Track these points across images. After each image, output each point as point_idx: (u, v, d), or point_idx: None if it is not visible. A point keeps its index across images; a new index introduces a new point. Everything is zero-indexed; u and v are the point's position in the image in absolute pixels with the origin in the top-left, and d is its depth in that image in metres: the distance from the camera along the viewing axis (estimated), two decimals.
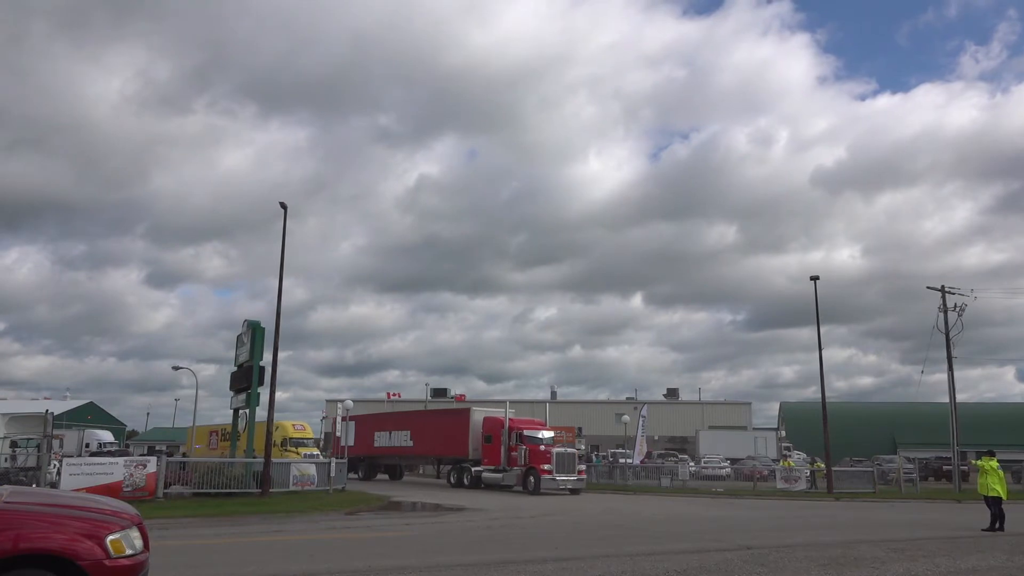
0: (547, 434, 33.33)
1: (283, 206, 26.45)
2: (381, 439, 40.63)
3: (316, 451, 44.14)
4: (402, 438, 39.21)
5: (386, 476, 41.91)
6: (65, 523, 5.98)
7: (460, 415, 36.48)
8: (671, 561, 11.50)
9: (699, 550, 12.96)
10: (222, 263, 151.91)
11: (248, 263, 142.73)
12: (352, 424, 43.02)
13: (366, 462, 41.47)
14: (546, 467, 30.81)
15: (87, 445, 49.10)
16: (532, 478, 31.11)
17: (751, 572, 10.65)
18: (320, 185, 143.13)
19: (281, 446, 44.60)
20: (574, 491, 31.24)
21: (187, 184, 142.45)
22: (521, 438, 32.50)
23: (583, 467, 33.40)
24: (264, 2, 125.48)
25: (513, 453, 32.33)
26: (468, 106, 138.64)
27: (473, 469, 33.95)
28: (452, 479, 35.42)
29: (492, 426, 33.99)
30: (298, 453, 42.21)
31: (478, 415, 35.39)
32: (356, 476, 40.39)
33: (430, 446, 37.55)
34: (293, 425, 47.23)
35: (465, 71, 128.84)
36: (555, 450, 31.69)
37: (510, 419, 33.61)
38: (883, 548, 13.56)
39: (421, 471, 40.29)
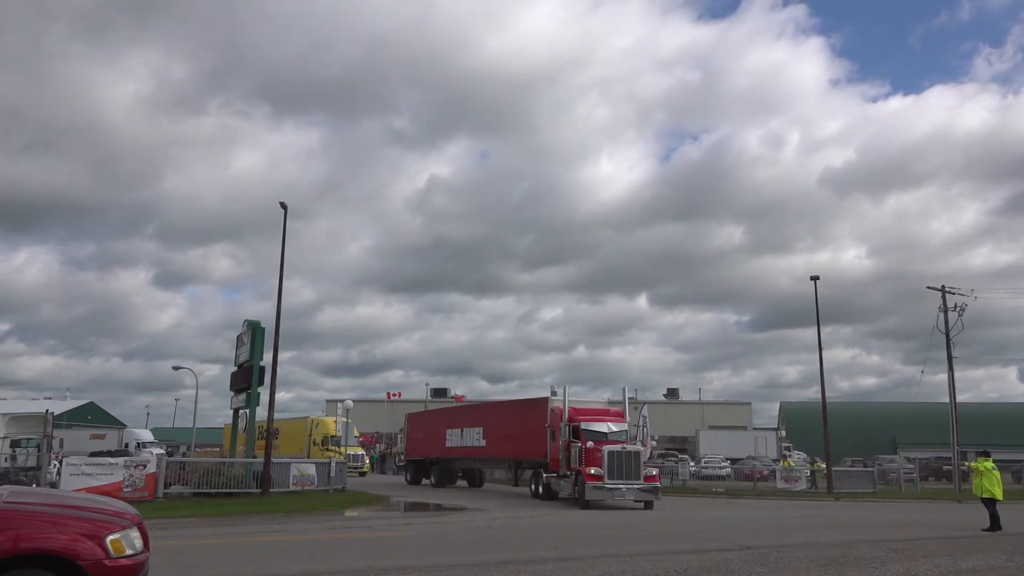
0: (613, 427, 25.92)
1: (283, 206, 26.45)
2: (453, 438, 33.87)
3: (360, 450, 41.32)
4: (474, 437, 32.21)
5: (464, 483, 35.94)
6: (65, 523, 5.99)
7: (536, 407, 28.36)
8: (671, 561, 11.51)
9: (699, 550, 12.97)
10: (230, 264, 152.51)
11: (256, 264, 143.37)
12: (351, 424, 42.32)
13: (439, 465, 35.44)
14: (593, 471, 23.80)
15: (126, 444, 48.95)
16: (579, 486, 24.48)
17: (751, 572, 10.66)
18: (331, 186, 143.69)
19: (322, 445, 42.40)
20: (647, 504, 24.15)
21: (198, 185, 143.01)
22: (577, 432, 25.42)
23: (654, 471, 25.47)
24: (282, 5, 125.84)
25: (569, 453, 25.51)
26: (482, 108, 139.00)
27: (545, 475, 26.77)
28: (533, 487, 27.86)
29: (555, 419, 26.61)
30: (340, 453, 39.55)
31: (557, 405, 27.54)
32: (429, 482, 35.62)
33: (505, 446, 30.25)
34: (335, 422, 44.36)
35: (480, 74, 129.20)
36: (606, 448, 24.13)
37: (571, 408, 26.31)
38: (883, 548, 13.56)
39: (514, 475, 32.31)
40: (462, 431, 33.35)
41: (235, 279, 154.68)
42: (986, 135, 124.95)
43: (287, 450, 42.53)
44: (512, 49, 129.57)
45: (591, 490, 23.90)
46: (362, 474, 43.67)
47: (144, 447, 47.83)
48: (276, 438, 46.36)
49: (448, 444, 34.28)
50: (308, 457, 37.18)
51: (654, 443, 51.20)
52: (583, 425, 25.59)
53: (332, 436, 41.71)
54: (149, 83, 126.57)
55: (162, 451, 47.35)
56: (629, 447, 25.15)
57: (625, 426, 26.60)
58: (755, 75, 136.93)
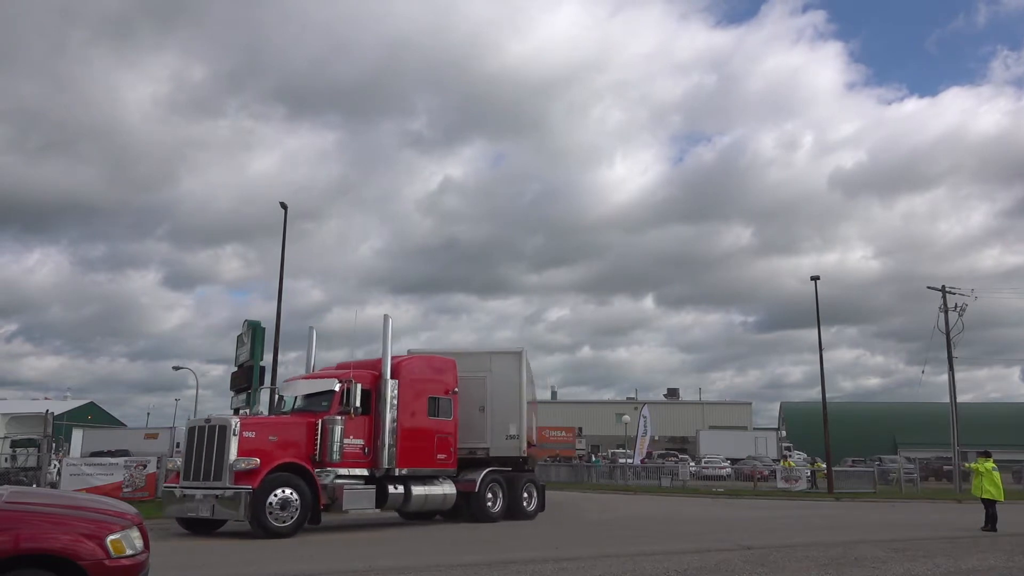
0: (307, 385, 16.75)
1: (283, 206, 26.55)
2: None
3: None
4: None
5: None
6: (66, 523, 5.99)
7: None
8: (671, 561, 11.51)
9: (699, 550, 12.97)
10: (240, 265, 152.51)
11: (266, 264, 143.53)
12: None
13: None
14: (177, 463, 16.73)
15: (177, 445, 49.06)
16: None
17: (751, 572, 10.66)
18: (344, 188, 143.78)
19: None
20: (247, 524, 14.11)
21: (212, 186, 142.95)
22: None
23: (249, 464, 14.07)
24: (302, 8, 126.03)
25: None
26: (499, 112, 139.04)
27: None
28: None
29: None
30: None
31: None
32: None
33: None
34: None
35: (499, 77, 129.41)
36: (195, 424, 15.31)
37: (342, 364, 17.74)
38: (883, 548, 13.56)
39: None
40: None
41: (245, 280, 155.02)
42: (998, 137, 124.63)
43: None
44: (531, 53, 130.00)
45: (168, 497, 14.94)
46: None
47: None
48: None
49: None
50: None
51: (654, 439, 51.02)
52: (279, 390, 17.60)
53: None
54: (167, 85, 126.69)
55: None
56: (216, 419, 14.91)
57: (334, 384, 15.81)
58: (771, 79, 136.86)
